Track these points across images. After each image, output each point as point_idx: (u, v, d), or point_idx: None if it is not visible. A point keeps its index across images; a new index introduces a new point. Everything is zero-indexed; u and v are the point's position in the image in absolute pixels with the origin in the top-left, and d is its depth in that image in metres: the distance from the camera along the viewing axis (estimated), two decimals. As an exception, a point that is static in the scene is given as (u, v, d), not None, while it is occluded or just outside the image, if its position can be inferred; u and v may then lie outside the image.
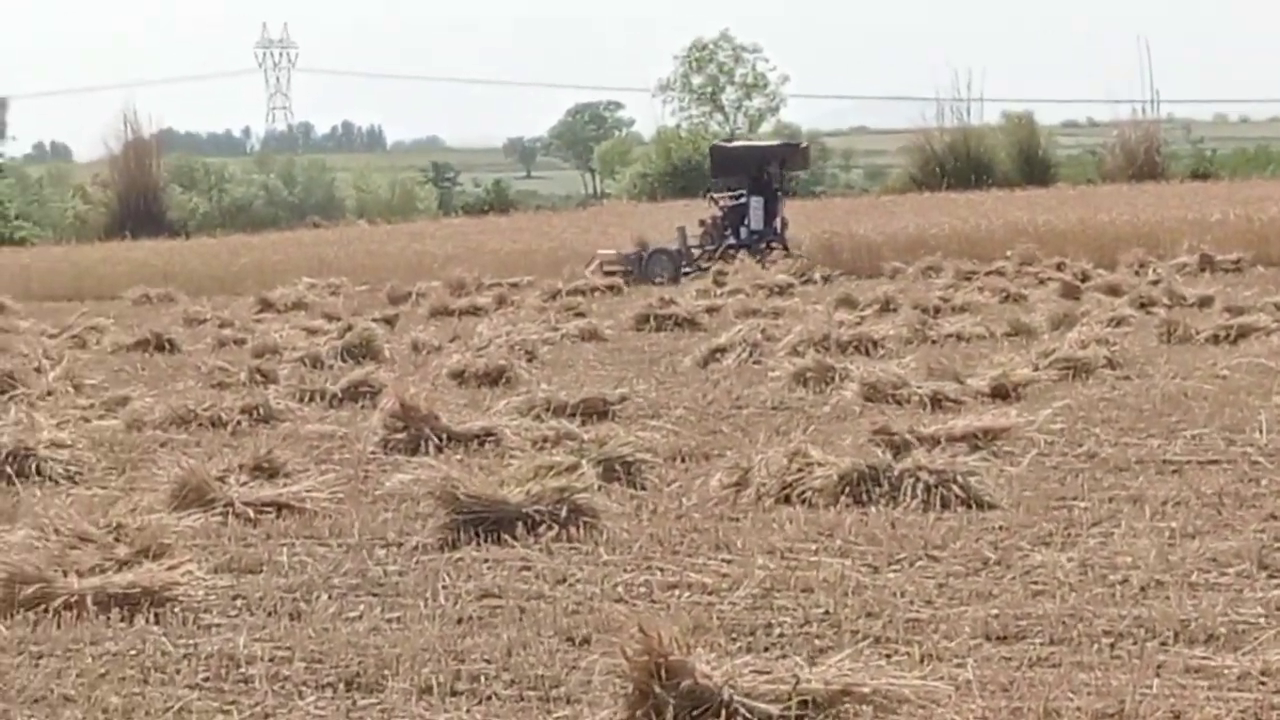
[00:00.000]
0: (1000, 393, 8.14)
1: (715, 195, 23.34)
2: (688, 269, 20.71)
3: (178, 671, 3.10)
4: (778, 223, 22.13)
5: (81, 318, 17.10)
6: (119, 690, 2.89)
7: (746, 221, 21.89)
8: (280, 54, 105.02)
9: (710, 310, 15.47)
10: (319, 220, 44.68)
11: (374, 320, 14.99)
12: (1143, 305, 14.23)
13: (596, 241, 24.63)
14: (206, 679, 3.03)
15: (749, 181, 22.28)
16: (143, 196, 44.06)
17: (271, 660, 3.16)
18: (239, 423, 8.05)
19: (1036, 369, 8.88)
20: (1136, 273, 18.76)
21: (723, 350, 10.91)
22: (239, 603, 3.94)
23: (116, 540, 4.20)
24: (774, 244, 21.55)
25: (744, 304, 15.92)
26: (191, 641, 3.38)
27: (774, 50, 60.21)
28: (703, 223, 22.19)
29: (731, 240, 21.76)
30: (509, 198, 52.91)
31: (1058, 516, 4.83)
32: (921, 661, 2.90)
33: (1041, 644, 3.09)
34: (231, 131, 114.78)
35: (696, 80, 55.67)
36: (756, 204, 21.86)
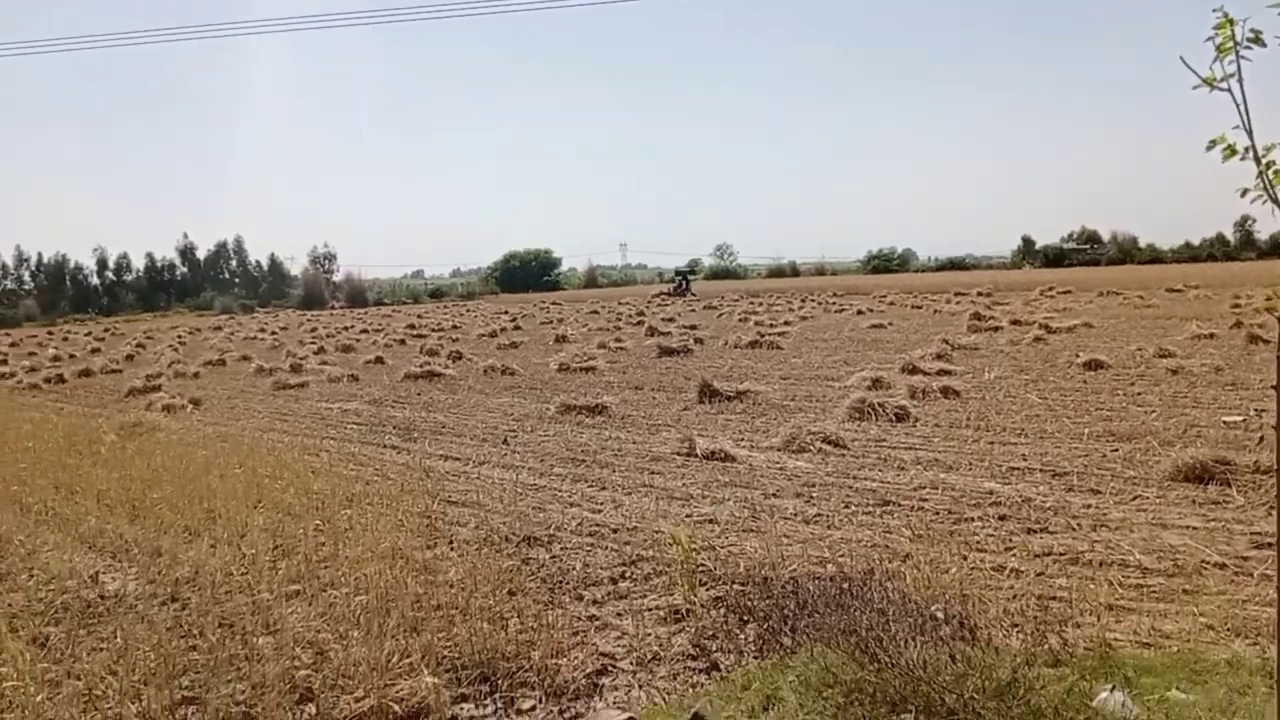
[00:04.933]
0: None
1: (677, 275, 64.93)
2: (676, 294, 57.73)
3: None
4: (691, 286, 61.02)
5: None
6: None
7: (681, 285, 60.37)
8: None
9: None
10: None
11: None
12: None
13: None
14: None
15: (683, 276, 63.26)
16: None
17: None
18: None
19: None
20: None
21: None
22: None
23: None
24: (688, 292, 57.94)
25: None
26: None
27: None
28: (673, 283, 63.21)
29: (681, 289, 59.10)
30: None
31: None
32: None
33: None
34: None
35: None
36: (683, 281, 61.08)
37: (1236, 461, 7.72)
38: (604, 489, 8.50)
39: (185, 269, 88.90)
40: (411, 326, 37.20)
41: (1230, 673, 4.03)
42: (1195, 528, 6.37)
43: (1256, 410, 10.40)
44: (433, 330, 34.75)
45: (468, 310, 54.14)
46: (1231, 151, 2.49)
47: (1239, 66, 2.41)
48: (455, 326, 36.65)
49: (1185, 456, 7.81)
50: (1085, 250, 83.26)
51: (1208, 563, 5.65)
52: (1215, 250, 77.80)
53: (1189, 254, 78.35)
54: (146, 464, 9.76)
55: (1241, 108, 2.42)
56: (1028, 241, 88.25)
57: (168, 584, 6.06)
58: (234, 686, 4.47)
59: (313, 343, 30.56)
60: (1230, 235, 79.46)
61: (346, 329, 38.69)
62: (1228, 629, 4.65)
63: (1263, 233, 77.73)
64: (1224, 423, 9.84)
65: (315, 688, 4.39)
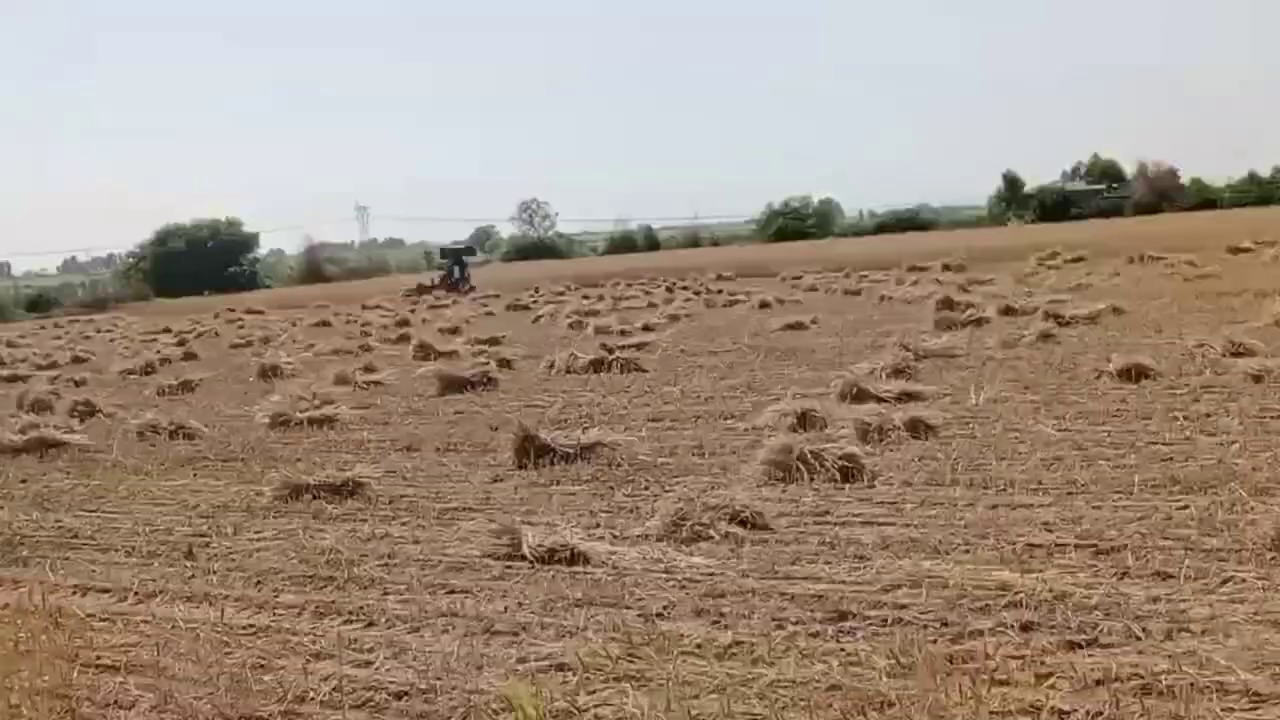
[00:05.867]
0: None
1: (445, 258, 79.98)
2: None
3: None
4: (466, 274, 74.47)
5: None
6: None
7: (453, 274, 73.95)
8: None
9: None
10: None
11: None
12: None
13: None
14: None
15: (456, 258, 78.03)
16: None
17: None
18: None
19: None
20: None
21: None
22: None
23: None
24: (464, 283, 70.35)
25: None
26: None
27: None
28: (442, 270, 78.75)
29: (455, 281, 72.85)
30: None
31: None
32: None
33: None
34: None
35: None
36: (455, 267, 75.17)
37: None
38: (372, 625, 8.29)
39: None
40: (-3, 364, 35.69)
41: None
42: (1325, 622, 6.72)
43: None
44: (38, 368, 33.43)
45: (98, 330, 52.67)
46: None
47: None
48: (80, 359, 35.43)
49: (1293, 511, 8.26)
50: (1100, 192, 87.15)
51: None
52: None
53: (1258, 194, 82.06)
54: None
55: None
56: (1012, 182, 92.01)
57: None
58: None
59: None
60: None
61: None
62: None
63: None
64: None
65: None
